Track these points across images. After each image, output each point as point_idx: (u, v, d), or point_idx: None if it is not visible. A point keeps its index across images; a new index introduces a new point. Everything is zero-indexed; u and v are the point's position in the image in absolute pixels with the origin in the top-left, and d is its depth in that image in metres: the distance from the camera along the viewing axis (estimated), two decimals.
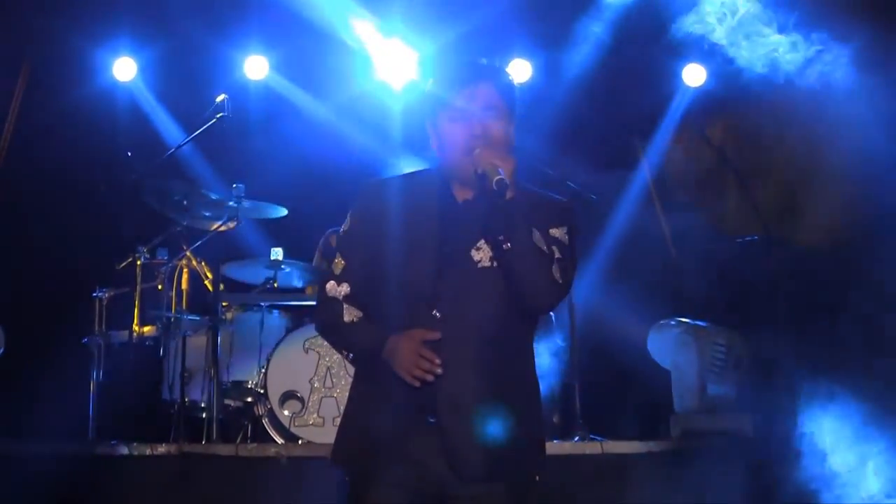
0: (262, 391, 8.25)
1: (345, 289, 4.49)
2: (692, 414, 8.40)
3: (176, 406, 8.24)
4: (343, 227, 4.54)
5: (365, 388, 4.51)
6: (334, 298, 4.49)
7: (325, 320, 4.59)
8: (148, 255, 8.50)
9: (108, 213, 9.22)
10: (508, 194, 4.27)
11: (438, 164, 4.58)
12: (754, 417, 8.17)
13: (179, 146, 8.66)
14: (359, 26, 9.82)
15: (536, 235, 4.34)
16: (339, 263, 4.55)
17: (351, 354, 4.59)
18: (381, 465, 4.34)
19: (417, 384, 4.22)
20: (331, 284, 4.50)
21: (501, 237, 4.32)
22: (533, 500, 4.44)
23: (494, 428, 4.33)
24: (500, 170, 4.26)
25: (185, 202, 8.51)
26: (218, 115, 8.76)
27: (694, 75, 10.40)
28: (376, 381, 4.41)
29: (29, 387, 8.19)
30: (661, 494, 7.28)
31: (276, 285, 8.64)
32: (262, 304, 8.71)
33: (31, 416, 8.02)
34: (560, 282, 4.36)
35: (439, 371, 4.21)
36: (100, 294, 8.48)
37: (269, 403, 8.22)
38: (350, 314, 4.49)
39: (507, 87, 4.51)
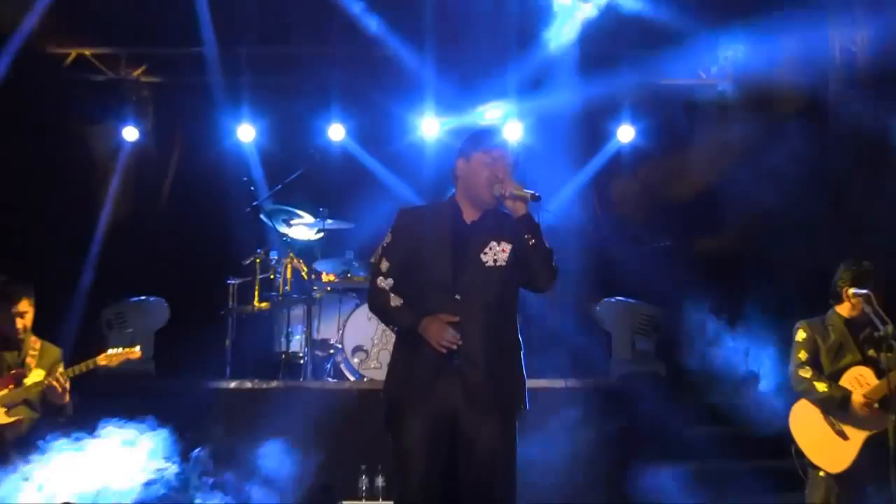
0: (340, 346, 8.21)
1: (390, 282, 4.49)
2: (625, 361, 8.31)
3: (283, 355, 8.24)
4: (386, 240, 4.53)
5: (404, 346, 4.49)
6: (383, 289, 4.48)
7: (378, 304, 4.55)
8: (264, 255, 8.47)
9: (239, 227, 9.06)
10: (523, 210, 4.34)
11: (457, 195, 4.55)
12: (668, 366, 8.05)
13: (285, 183, 8.58)
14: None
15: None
16: (384, 264, 4.53)
17: (394, 328, 4.58)
18: (415, 397, 4.37)
19: (444, 351, 4.27)
20: (380, 279, 4.50)
21: (529, 236, 4.31)
22: (518, 422, 4.43)
23: (496, 372, 4.33)
24: (527, 189, 4.34)
25: (289, 220, 8.47)
26: (310, 164, 8.73)
27: (626, 133, 9.88)
28: (412, 345, 4.40)
29: (187, 343, 8.09)
30: (605, 416, 7.13)
31: (349, 275, 8.46)
32: (340, 288, 8.53)
33: (188, 362, 7.93)
34: (557, 270, 4.40)
35: (460, 343, 4.25)
36: (232, 281, 8.47)
37: (345, 353, 8.18)
38: (395, 300, 4.47)
39: (514, 153, 4.57)
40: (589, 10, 9.07)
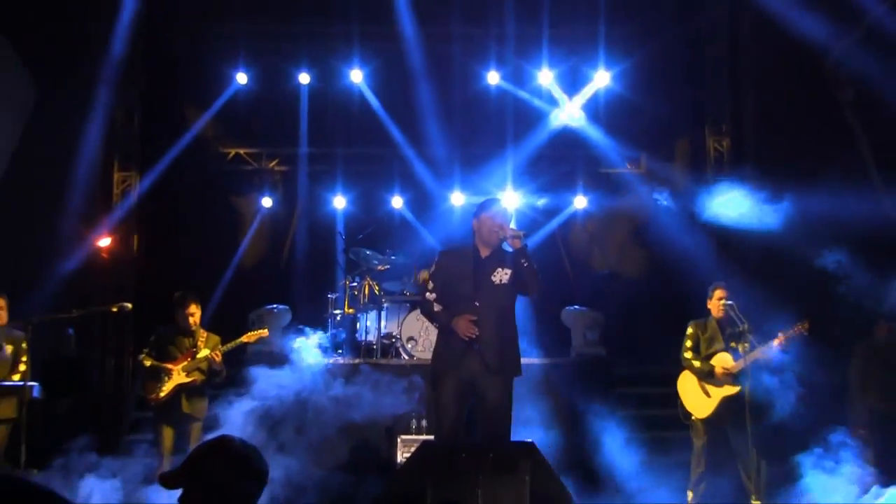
0: (398, 336, 8.03)
1: (434, 295, 4.62)
2: (580, 346, 8.07)
3: (363, 343, 8.07)
4: (432, 268, 4.54)
5: (442, 336, 4.56)
6: (429, 300, 4.62)
7: (426, 309, 4.70)
8: (351, 279, 8.32)
9: (335, 261, 9.07)
10: (519, 245, 4.42)
11: (475, 241, 4.57)
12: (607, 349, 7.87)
13: (363, 235, 8.57)
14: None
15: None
16: (430, 283, 4.66)
17: (437, 325, 4.67)
18: (449, 369, 4.43)
19: (467, 339, 4.37)
20: (428, 293, 4.64)
21: (523, 260, 4.38)
22: (514, 383, 4.47)
23: (501, 352, 4.38)
24: (522, 233, 4.47)
25: (367, 257, 8.37)
26: (381, 222, 9.04)
27: (580, 202, 9.47)
28: (448, 335, 4.50)
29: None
30: (567, 382, 7.00)
31: (405, 292, 8.40)
32: (399, 300, 8.39)
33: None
34: (541, 282, 4.47)
35: (477, 333, 4.33)
36: (331, 295, 8.36)
37: (402, 342, 8.00)
38: (437, 307, 4.59)
39: (509, 212, 4.73)
40: (577, 111, 8.89)
